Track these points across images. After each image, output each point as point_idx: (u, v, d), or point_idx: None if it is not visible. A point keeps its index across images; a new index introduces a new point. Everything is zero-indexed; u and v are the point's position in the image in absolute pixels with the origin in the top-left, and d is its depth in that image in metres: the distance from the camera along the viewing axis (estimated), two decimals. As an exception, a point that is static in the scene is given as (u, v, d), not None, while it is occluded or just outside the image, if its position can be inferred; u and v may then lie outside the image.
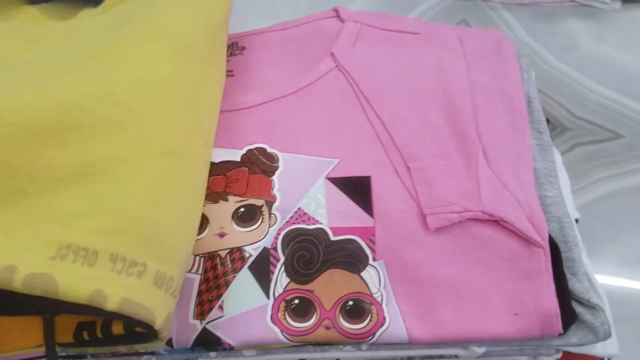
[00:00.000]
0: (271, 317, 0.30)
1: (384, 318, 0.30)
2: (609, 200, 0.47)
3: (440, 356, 0.31)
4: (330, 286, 0.30)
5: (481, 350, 0.29)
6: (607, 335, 0.28)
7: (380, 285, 0.30)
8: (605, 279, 0.43)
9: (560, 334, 0.28)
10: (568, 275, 0.29)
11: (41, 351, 0.29)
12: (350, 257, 0.31)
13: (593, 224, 0.46)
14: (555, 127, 0.52)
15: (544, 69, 0.56)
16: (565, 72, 0.56)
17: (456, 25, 0.45)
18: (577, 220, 0.35)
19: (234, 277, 0.32)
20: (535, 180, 0.33)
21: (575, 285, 0.29)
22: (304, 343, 0.30)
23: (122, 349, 0.30)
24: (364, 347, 0.31)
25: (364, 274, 0.31)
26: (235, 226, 0.33)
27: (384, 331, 0.29)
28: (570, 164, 0.49)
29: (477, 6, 0.63)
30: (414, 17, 0.62)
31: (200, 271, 0.32)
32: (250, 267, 0.32)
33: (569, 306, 0.29)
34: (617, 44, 0.59)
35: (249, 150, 0.35)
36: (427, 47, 0.37)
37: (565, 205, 0.33)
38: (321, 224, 0.32)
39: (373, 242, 0.32)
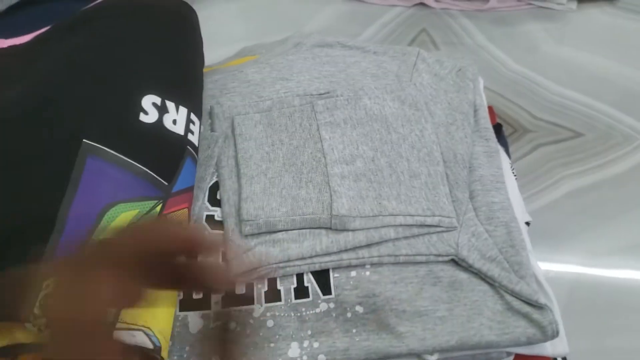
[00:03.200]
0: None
1: None
2: (573, 198, 0.48)
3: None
4: None
5: (433, 358, 0.30)
6: (555, 334, 0.29)
7: None
8: (572, 270, 0.43)
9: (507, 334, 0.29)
10: (516, 279, 0.30)
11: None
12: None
13: (558, 220, 0.46)
14: (515, 129, 0.52)
15: (504, 73, 0.57)
16: (525, 75, 0.57)
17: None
18: (528, 224, 0.36)
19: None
20: (482, 186, 0.33)
21: (523, 287, 0.30)
22: None
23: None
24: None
25: None
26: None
27: None
28: (532, 165, 0.50)
29: (437, 15, 0.64)
30: (377, 28, 0.63)
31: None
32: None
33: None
34: (574, 44, 0.60)
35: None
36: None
37: (512, 210, 0.33)
38: None
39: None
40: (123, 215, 0.30)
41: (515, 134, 0.52)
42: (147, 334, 0.29)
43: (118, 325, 0.28)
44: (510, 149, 0.50)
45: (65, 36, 0.36)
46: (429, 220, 0.33)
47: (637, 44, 0.60)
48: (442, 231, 0.33)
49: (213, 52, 0.50)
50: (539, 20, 0.63)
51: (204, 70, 0.41)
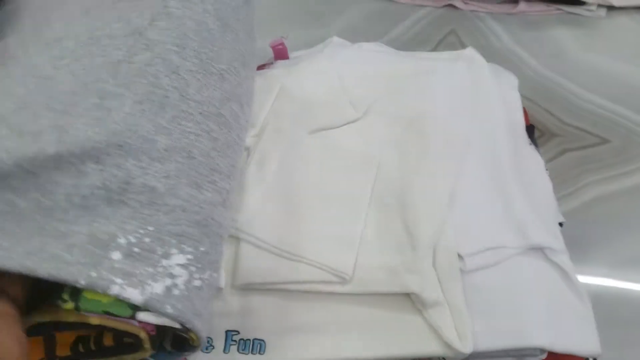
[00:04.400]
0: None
1: None
2: (599, 205, 0.47)
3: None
4: None
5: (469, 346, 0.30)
6: None
7: None
8: (596, 281, 0.43)
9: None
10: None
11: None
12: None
13: (583, 228, 0.46)
14: (543, 133, 0.52)
15: (532, 77, 0.57)
16: (553, 79, 0.57)
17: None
18: (561, 224, 0.36)
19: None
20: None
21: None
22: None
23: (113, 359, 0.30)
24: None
25: None
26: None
27: None
28: (559, 169, 0.50)
29: (465, 16, 0.64)
30: (405, 28, 0.63)
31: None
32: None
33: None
34: (602, 51, 0.60)
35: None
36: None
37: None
38: None
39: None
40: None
41: (543, 138, 0.52)
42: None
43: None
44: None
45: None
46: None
47: (666, 53, 0.60)
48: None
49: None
50: (567, 26, 0.63)
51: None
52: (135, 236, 0.29)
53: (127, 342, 0.30)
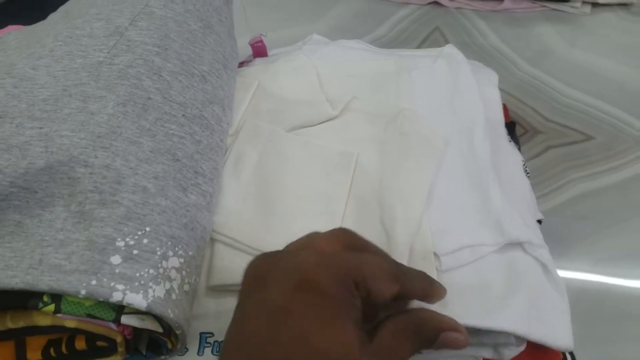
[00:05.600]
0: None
1: None
2: (582, 201, 0.47)
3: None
4: None
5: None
6: None
7: None
8: (580, 276, 0.43)
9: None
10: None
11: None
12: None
13: (566, 224, 0.46)
14: (527, 130, 0.52)
15: (516, 74, 0.57)
16: (537, 77, 0.57)
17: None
18: (540, 222, 0.36)
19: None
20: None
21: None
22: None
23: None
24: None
25: None
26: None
27: None
28: (543, 166, 0.50)
29: (450, 14, 0.64)
30: (390, 26, 0.63)
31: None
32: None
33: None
34: (587, 47, 0.60)
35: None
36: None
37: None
38: None
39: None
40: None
41: (526, 135, 0.52)
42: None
43: (126, 309, 0.28)
44: (522, 149, 0.50)
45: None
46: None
47: (650, 49, 0.59)
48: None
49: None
50: (552, 22, 0.63)
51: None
52: (133, 238, 0.28)
53: (100, 345, 0.29)
